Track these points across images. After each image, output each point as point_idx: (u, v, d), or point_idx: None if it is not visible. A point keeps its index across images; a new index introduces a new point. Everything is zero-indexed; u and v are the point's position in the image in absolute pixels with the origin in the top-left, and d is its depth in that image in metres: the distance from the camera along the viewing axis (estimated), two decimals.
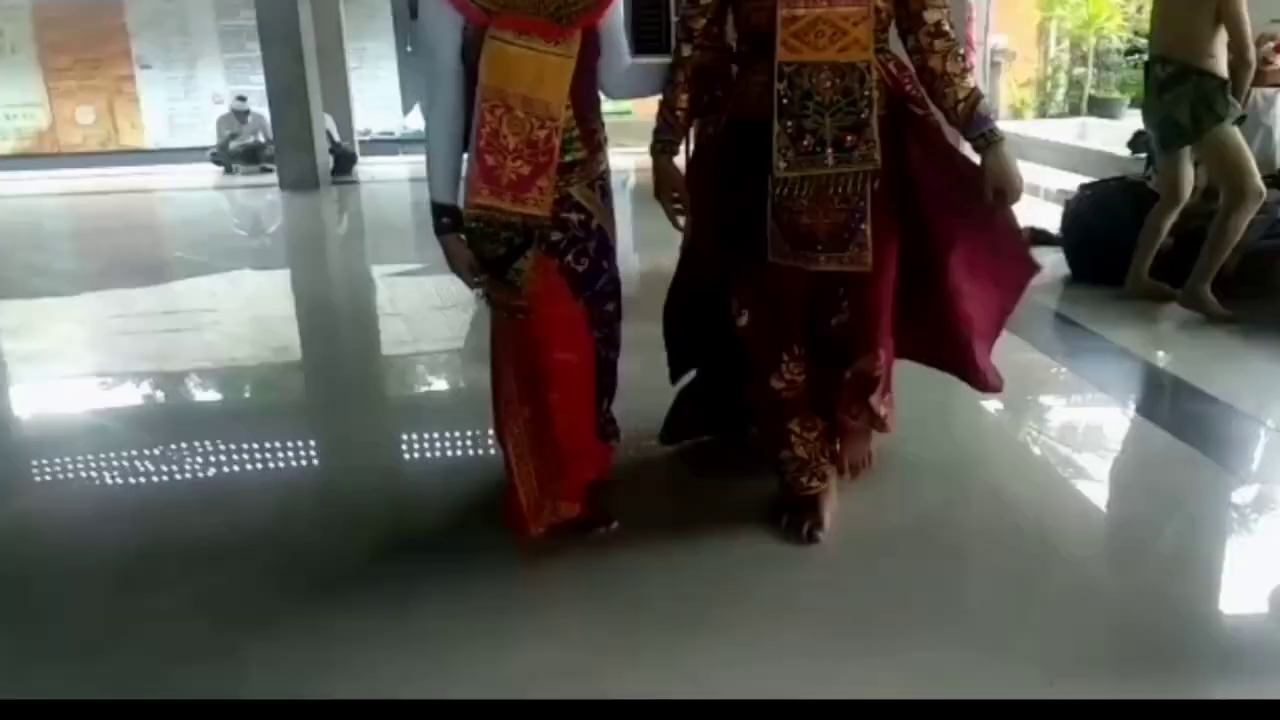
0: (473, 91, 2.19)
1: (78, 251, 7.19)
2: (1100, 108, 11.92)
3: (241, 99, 10.91)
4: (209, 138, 11.72)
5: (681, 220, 2.46)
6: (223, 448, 3.27)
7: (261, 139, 10.48)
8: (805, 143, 2.20)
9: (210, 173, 10.62)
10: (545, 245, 2.30)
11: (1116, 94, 12.36)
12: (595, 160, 2.35)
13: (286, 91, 9.08)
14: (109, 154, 13.83)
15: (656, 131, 2.41)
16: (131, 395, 4.08)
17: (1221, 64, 4.00)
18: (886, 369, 2.49)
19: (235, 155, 10.59)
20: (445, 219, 2.30)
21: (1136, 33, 12.80)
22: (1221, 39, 3.99)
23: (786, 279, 2.33)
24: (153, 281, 5.94)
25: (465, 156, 2.27)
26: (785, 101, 2.18)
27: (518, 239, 2.28)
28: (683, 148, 2.48)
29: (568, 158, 2.28)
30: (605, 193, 2.40)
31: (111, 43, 14.05)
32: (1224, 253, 4.15)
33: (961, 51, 2.29)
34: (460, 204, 2.29)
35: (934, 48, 2.25)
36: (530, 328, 2.32)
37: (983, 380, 2.55)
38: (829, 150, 2.20)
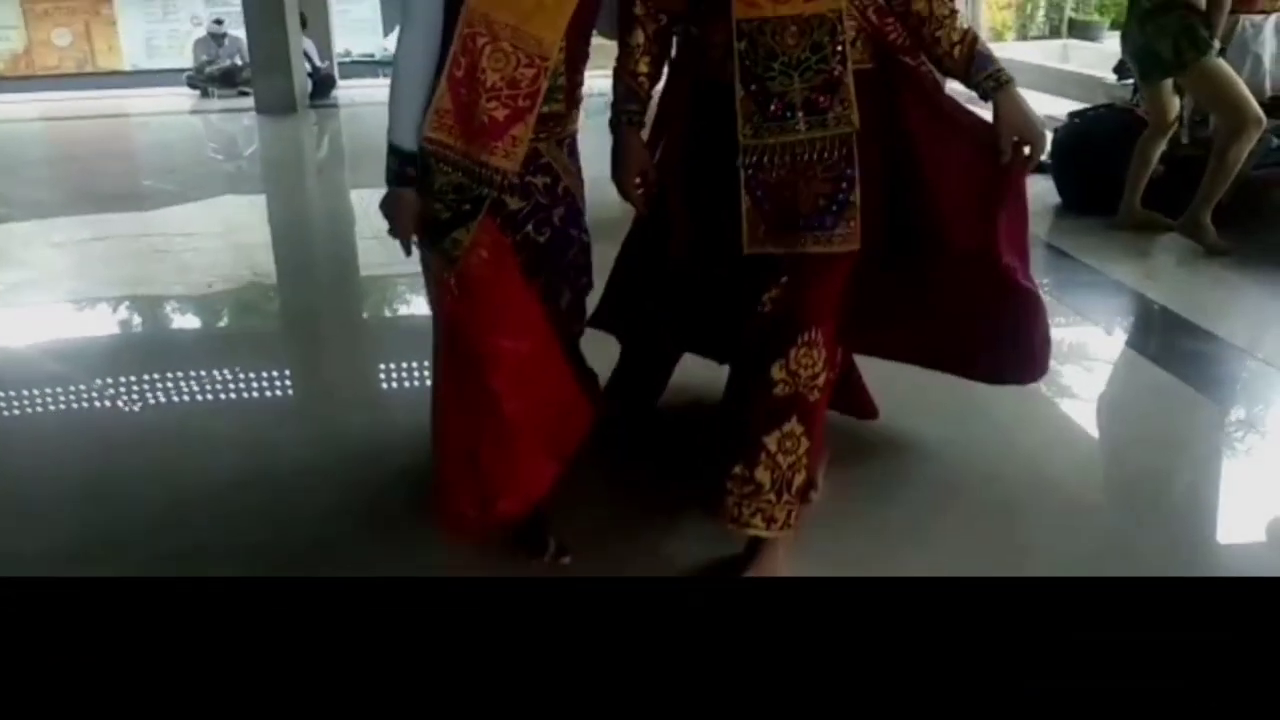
0: (457, 12, 1.89)
1: (51, 179, 7.02)
2: (1080, 30, 11.81)
3: (218, 22, 10.66)
4: (186, 60, 11.48)
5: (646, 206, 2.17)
6: (199, 374, 3.25)
7: (239, 62, 10.23)
8: (773, 107, 1.94)
9: (187, 96, 10.39)
10: (500, 217, 1.96)
11: (1096, 16, 12.24)
12: (570, 117, 2.04)
13: (263, 13, 8.87)
14: (85, 76, 13.57)
15: (616, 101, 2.11)
16: (106, 320, 4.05)
17: None
18: (826, 382, 2.02)
19: (211, 79, 10.36)
20: (409, 168, 1.95)
21: None
22: None
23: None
24: (127, 208, 5.83)
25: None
26: (747, 63, 1.93)
27: (466, 203, 1.94)
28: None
29: (546, 108, 1.95)
30: (573, 152, 2.10)
31: None
32: (1226, 182, 4.09)
33: None
34: (412, 147, 1.95)
35: None
36: (461, 308, 1.94)
37: (1032, 366, 2.29)
38: (800, 114, 1.94)
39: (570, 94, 2.01)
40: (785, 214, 1.98)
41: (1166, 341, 3.45)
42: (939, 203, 2.05)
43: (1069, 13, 12.45)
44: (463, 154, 1.91)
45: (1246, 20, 4.51)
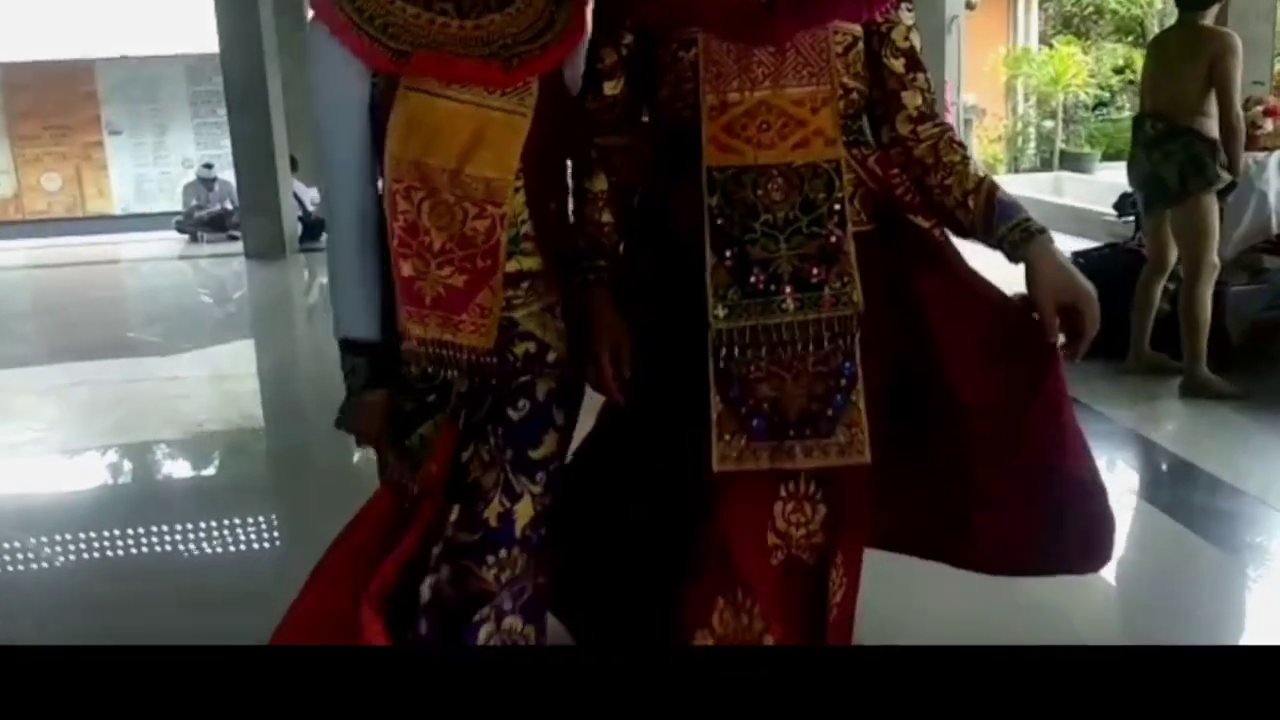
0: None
1: (38, 330, 7.03)
2: (1072, 162, 12.02)
3: (208, 166, 10.78)
4: (177, 203, 11.57)
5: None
6: (188, 526, 3.22)
7: (229, 206, 10.31)
8: (753, 279, 1.55)
9: (176, 241, 10.43)
10: (468, 399, 1.61)
11: (1087, 148, 12.47)
12: (544, 273, 1.64)
13: (252, 156, 8.93)
14: (75, 220, 13.64)
15: (580, 257, 1.67)
16: (92, 472, 4.03)
17: (1213, 125, 3.91)
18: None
19: (201, 223, 10.41)
20: (358, 360, 1.60)
21: (1101, 86, 12.97)
22: (1214, 99, 3.91)
23: (739, 503, 1.59)
24: (114, 355, 5.84)
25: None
26: (720, 222, 1.55)
27: (431, 393, 1.60)
28: None
29: (514, 265, 1.59)
30: (557, 315, 1.68)
31: (81, 109, 13.94)
32: (1202, 330, 4.02)
33: (952, 134, 1.71)
34: (373, 336, 1.61)
35: (920, 135, 1.66)
36: (419, 513, 1.59)
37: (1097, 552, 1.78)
38: (787, 289, 1.55)
39: (544, 240, 1.63)
40: (768, 420, 1.57)
41: (1176, 489, 3.38)
42: (959, 396, 1.67)
43: (1060, 145, 12.66)
44: (419, 340, 1.55)
45: (1250, 157, 4.54)
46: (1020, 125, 13.17)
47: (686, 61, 1.57)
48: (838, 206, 1.56)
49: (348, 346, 1.62)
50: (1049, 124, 12.92)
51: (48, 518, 3.37)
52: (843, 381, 1.57)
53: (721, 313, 1.55)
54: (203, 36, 13.01)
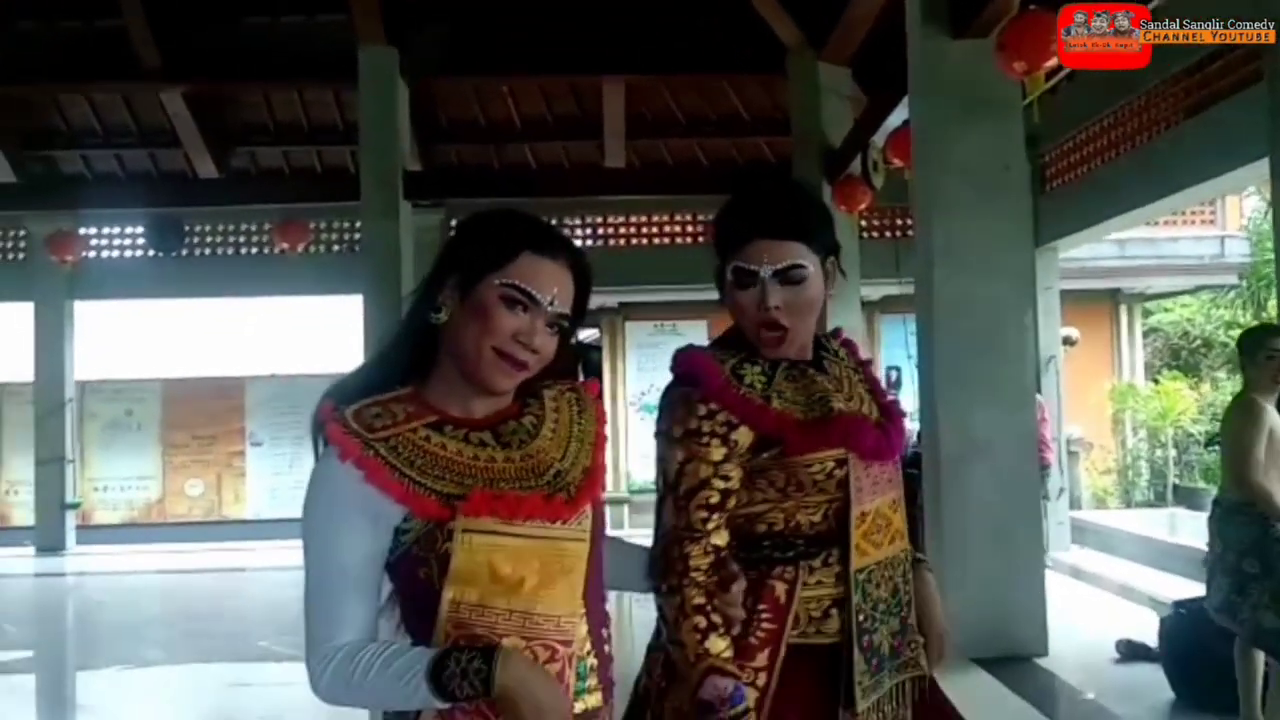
0: (412, 592, 1.45)
1: (169, 636, 7.34)
2: (1186, 498, 11.82)
3: None
4: None
5: None
6: None
7: None
8: (874, 662, 1.73)
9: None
10: None
11: (1201, 483, 12.28)
12: (605, 708, 1.54)
13: None
14: (211, 524, 14.41)
15: (725, 702, 1.60)
16: None
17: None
18: None
19: None
20: (463, 664, 1.36)
21: (1215, 418, 12.93)
22: None
23: None
24: (233, 661, 6.13)
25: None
26: (861, 618, 1.71)
27: None
28: None
29: (578, 707, 1.47)
30: None
31: (228, 421, 15.03)
32: (1256, 680, 4.10)
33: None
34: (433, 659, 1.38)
35: None
36: None
37: None
38: (888, 664, 1.75)
39: (603, 671, 1.52)
40: None
41: None
42: None
43: (1173, 479, 12.52)
44: None
45: None
46: (1130, 459, 13.14)
47: (837, 478, 1.71)
48: (908, 584, 1.81)
49: (440, 684, 1.36)
50: (1159, 455, 12.87)
51: None
52: None
53: (864, 704, 1.70)
54: (343, 357, 14.27)
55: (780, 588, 1.71)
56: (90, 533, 12.63)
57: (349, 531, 1.41)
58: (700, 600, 1.64)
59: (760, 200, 1.80)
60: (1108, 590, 7.64)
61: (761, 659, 1.68)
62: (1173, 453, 12.81)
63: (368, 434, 1.43)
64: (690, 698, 1.62)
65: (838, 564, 1.72)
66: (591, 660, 1.50)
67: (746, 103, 11.10)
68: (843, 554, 1.72)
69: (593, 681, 1.50)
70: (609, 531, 1.65)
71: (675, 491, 1.69)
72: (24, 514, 13.02)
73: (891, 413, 1.84)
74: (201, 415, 14.96)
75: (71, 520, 12.07)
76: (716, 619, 1.64)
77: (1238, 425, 4.10)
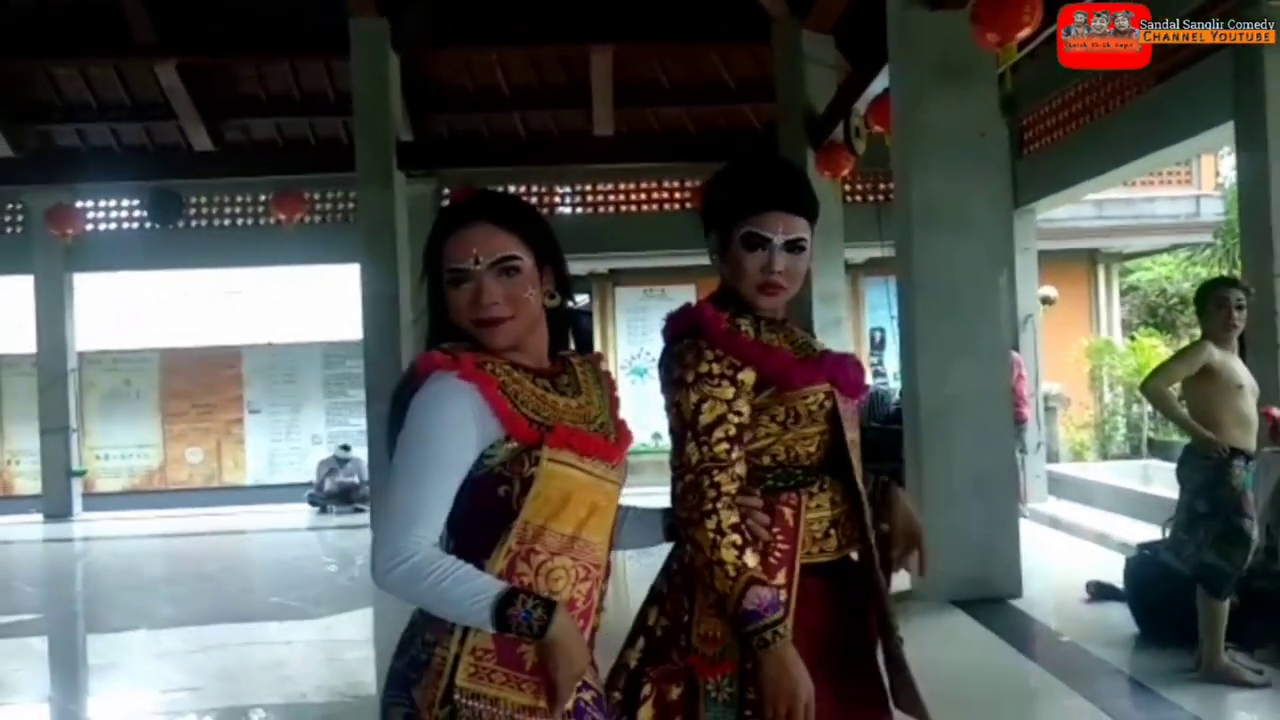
0: (476, 507, 1.61)
1: (172, 596, 7.56)
2: (1160, 450, 12.15)
3: (345, 448, 11.80)
4: (304, 475, 12.54)
5: None
6: None
7: (357, 480, 11.19)
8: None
9: (305, 512, 11.29)
10: None
11: (1175, 436, 12.62)
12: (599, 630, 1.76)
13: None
14: (211, 490, 14.66)
15: (766, 608, 1.78)
16: None
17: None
18: None
19: (331, 495, 11.29)
20: (528, 608, 1.55)
21: None
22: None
23: None
24: (245, 619, 6.42)
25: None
26: (873, 537, 2.01)
27: None
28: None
29: (596, 620, 1.71)
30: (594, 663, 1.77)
31: (226, 390, 15.21)
32: (1220, 623, 4.30)
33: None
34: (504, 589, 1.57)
35: None
36: None
37: None
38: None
39: (606, 596, 1.75)
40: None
41: None
42: None
43: (1148, 433, 12.86)
44: (515, 708, 1.58)
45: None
46: (1107, 414, 13.47)
47: (826, 409, 1.93)
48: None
49: (501, 616, 1.55)
50: (1135, 410, 13.22)
51: None
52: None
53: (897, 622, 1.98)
54: (338, 326, 14.46)
55: (788, 513, 1.90)
56: (93, 500, 12.88)
57: (459, 435, 1.57)
58: (735, 520, 1.82)
59: (778, 176, 2.01)
60: (1083, 538, 7.97)
61: (781, 577, 1.86)
62: (1148, 407, 13.15)
63: (477, 359, 1.61)
64: (733, 609, 1.79)
65: (830, 489, 1.94)
66: (605, 587, 1.71)
67: (733, 70, 11.28)
68: (840, 479, 1.94)
69: (602, 606, 1.71)
70: None
71: (695, 429, 1.85)
72: (27, 483, 13.25)
73: (853, 360, 2.07)
74: (200, 384, 15.12)
75: (77, 487, 12.30)
76: (750, 536, 1.83)
77: (1176, 354, 4.39)
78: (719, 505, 1.82)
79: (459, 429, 1.57)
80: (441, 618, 1.60)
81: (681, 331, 1.94)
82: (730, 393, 1.86)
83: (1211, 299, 4.42)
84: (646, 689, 1.88)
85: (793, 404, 1.91)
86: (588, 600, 1.66)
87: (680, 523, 1.86)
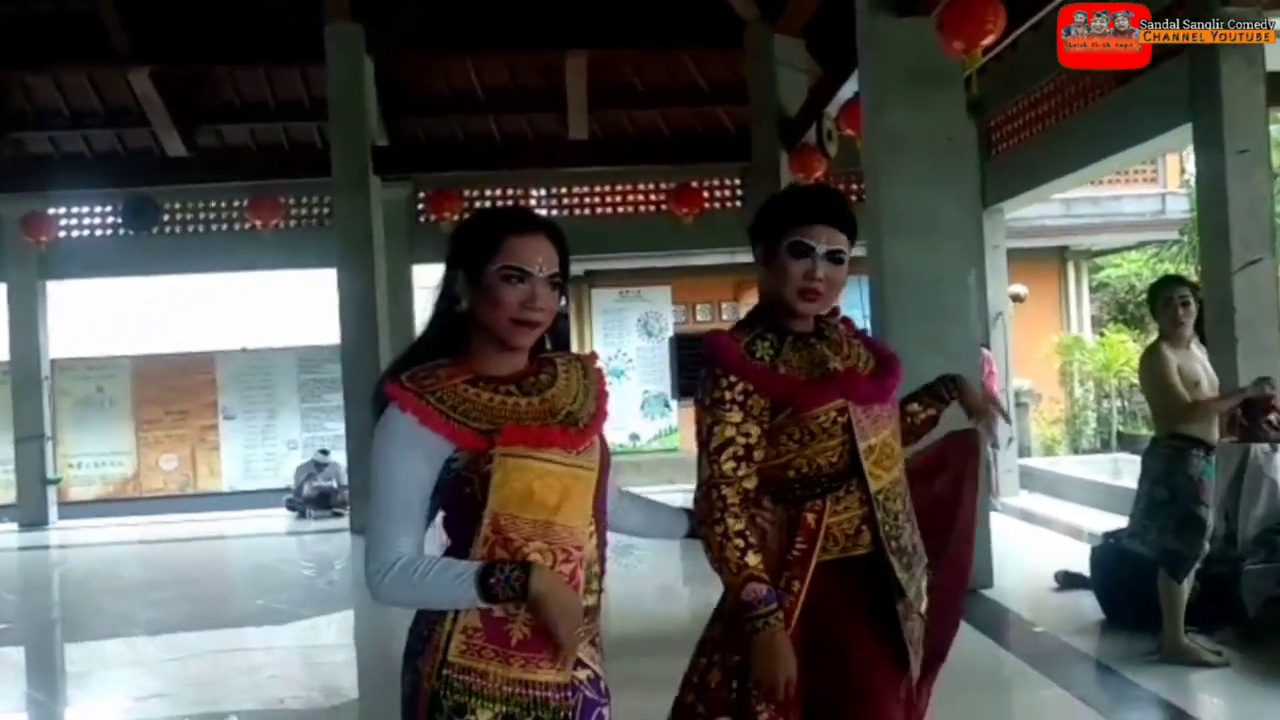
0: (455, 506, 1.80)
1: (149, 603, 7.46)
2: (1129, 443, 12.37)
3: (324, 452, 11.83)
4: (280, 481, 12.56)
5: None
6: None
7: (335, 484, 11.23)
8: (905, 561, 2.16)
9: (282, 517, 11.31)
10: None
11: (1144, 430, 12.86)
12: (598, 609, 1.88)
13: (365, 446, 9.79)
14: (186, 497, 14.60)
15: (759, 602, 2.04)
16: None
17: None
18: None
19: (309, 500, 11.32)
20: (506, 573, 1.71)
21: None
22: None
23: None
24: (214, 627, 6.43)
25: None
26: (886, 529, 2.13)
27: None
28: None
29: (587, 601, 1.82)
30: (600, 646, 1.91)
31: (200, 396, 15.15)
32: (1179, 606, 4.45)
33: None
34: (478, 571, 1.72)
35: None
36: None
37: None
38: (914, 563, 2.19)
39: (601, 579, 1.88)
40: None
41: None
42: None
43: (1117, 427, 13.09)
44: (503, 680, 1.74)
45: (1258, 449, 5.03)
46: (1077, 409, 13.70)
47: (841, 424, 2.11)
48: (908, 498, 2.23)
49: (486, 587, 1.70)
50: (1105, 404, 13.45)
51: None
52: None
53: (910, 592, 2.15)
54: (313, 330, 14.46)
55: (810, 518, 2.13)
56: (68, 509, 12.80)
57: (407, 466, 1.77)
58: (739, 526, 2.07)
59: (824, 195, 2.35)
60: (1054, 530, 8.13)
61: (798, 571, 2.11)
62: (1117, 402, 13.39)
63: (419, 389, 1.79)
64: (734, 600, 2.07)
65: (858, 490, 2.13)
66: (596, 568, 1.85)
67: (706, 74, 11.40)
68: (860, 482, 2.13)
69: (596, 585, 1.85)
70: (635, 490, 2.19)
71: (707, 449, 2.12)
72: (0, 492, 13.17)
73: (887, 363, 2.27)
74: (173, 390, 15.04)
75: (53, 495, 12.26)
76: (753, 540, 2.08)
77: (1149, 374, 4.55)
78: (725, 515, 2.08)
79: (405, 455, 1.76)
80: (439, 609, 1.77)
81: (706, 359, 2.16)
82: (739, 417, 2.10)
83: (1159, 298, 4.58)
84: None
85: (807, 424, 2.12)
86: (572, 580, 1.78)
87: (697, 524, 2.13)
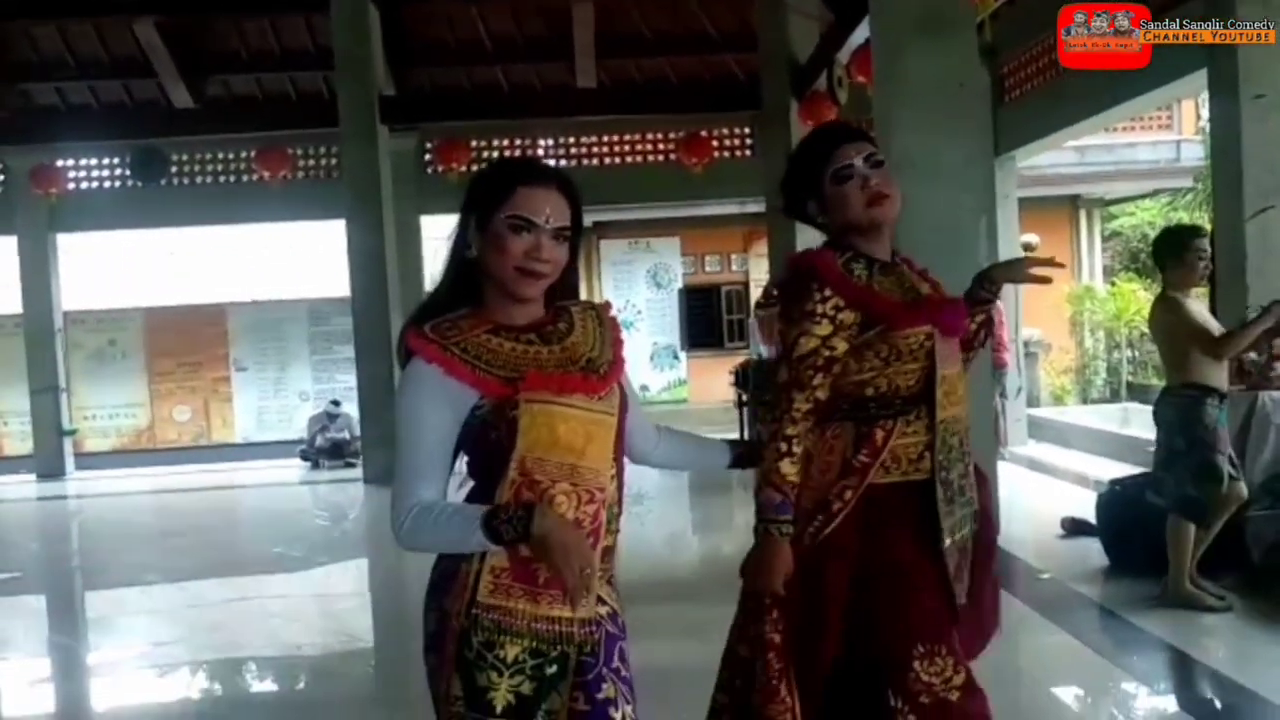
0: (478, 451, 1.83)
1: (166, 550, 7.62)
2: (1139, 393, 12.37)
3: (335, 403, 11.90)
4: (293, 432, 12.65)
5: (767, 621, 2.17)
6: None
7: (348, 435, 11.32)
8: (949, 495, 2.21)
9: (295, 467, 11.42)
10: (579, 670, 1.83)
11: (1154, 379, 12.83)
12: (614, 549, 1.93)
13: (375, 395, 9.89)
14: (200, 449, 14.73)
15: (772, 509, 2.14)
16: (185, 687, 4.57)
17: None
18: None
19: (322, 451, 11.42)
20: (509, 516, 1.73)
21: None
22: None
23: None
24: (230, 574, 6.51)
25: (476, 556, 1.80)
26: (941, 458, 2.20)
27: (550, 665, 1.80)
28: None
29: (607, 541, 1.87)
30: (616, 585, 1.97)
31: (212, 348, 15.23)
32: (1185, 553, 4.49)
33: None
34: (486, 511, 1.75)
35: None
36: None
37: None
38: (958, 500, 2.24)
39: (619, 520, 1.91)
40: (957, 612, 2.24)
41: (1219, 706, 3.71)
42: None
43: (1126, 377, 13.07)
44: (531, 617, 1.79)
45: (1265, 396, 5.04)
46: (1087, 358, 13.66)
47: (926, 349, 2.20)
48: (968, 439, 2.30)
49: (491, 529, 1.73)
50: (1115, 354, 13.43)
51: None
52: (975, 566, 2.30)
53: (946, 523, 2.20)
54: (323, 283, 14.48)
55: (880, 435, 2.21)
56: (83, 460, 12.95)
57: (432, 415, 1.81)
58: (791, 432, 2.16)
59: (833, 125, 2.50)
60: (1062, 479, 8.16)
61: (854, 481, 2.19)
62: (1128, 352, 13.35)
63: (443, 340, 1.83)
64: (756, 494, 2.17)
65: (926, 417, 2.21)
66: (616, 509, 1.89)
67: (714, 21, 11.28)
68: (929, 409, 2.21)
69: (615, 525, 1.90)
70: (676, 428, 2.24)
71: (790, 356, 2.20)
72: (14, 444, 13.29)
73: (956, 303, 2.33)
74: (185, 342, 15.11)
75: (69, 447, 12.38)
76: (797, 450, 2.16)
77: (1167, 323, 4.51)
78: (784, 416, 2.17)
79: (430, 404, 1.80)
80: (455, 553, 1.83)
81: (798, 271, 2.24)
82: (827, 329, 2.17)
83: (1177, 247, 4.54)
84: None
85: (895, 343, 2.19)
86: (595, 520, 1.83)
87: (763, 419, 2.26)
